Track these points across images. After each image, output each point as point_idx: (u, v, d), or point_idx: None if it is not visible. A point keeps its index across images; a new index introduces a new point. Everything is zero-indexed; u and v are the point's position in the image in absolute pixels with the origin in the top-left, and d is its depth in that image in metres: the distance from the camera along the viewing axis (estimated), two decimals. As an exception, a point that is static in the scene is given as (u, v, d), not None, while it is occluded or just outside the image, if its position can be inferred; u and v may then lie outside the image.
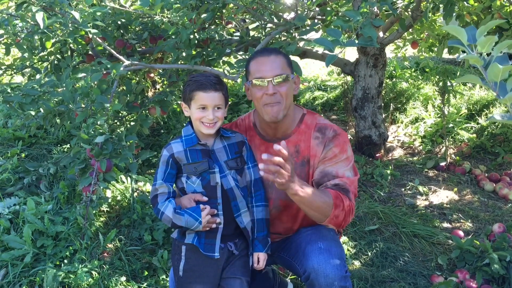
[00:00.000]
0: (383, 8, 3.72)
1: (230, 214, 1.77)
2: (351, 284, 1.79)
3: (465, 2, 3.47)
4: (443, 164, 3.92)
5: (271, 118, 1.77)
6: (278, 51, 1.82)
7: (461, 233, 2.88)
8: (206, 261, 1.75)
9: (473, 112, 4.78)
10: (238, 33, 4.17)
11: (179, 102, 4.58)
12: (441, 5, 3.24)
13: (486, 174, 3.78)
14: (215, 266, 1.76)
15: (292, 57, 2.90)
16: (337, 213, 1.71)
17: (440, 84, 4.02)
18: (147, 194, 3.12)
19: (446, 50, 4.27)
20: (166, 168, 1.74)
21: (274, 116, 1.77)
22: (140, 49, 3.69)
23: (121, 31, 3.38)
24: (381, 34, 3.92)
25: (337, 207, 1.70)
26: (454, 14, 3.26)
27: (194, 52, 3.14)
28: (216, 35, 3.42)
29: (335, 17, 3.54)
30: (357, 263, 2.64)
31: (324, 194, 1.70)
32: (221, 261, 1.77)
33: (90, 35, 2.67)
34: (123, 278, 2.42)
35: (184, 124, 4.25)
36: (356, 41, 2.00)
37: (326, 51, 1.88)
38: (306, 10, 3.81)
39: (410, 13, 3.56)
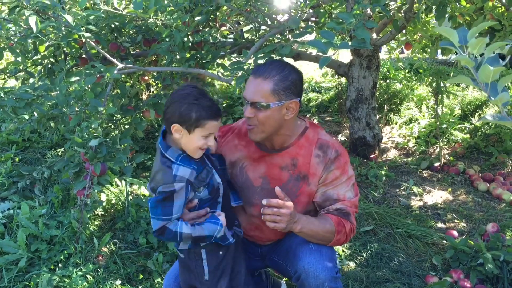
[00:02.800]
0: (376, 10, 3.74)
1: (228, 204, 1.80)
2: (342, 285, 1.80)
3: (457, 4, 3.49)
4: (437, 164, 3.93)
5: (249, 137, 1.82)
6: (276, 72, 1.71)
7: (455, 233, 2.90)
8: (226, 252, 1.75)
9: (467, 112, 4.81)
10: (232, 36, 4.18)
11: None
12: (433, 6, 3.26)
13: (480, 174, 3.80)
14: (231, 254, 1.77)
15: (286, 59, 2.91)
16: (339, 237, 1.78)
17: (434, 85, 4.05)
18: (142, 197, 3.11)
19: (439, 51, 4.30)
20: (184, 199, 1.60)
21: (251, 138, 1.80)
22: (134, 52, 3.70)
23: (115, 34, 3.38)
24: (374, 35, 3.94)
25: (339, 232, 1.76)
26: (446, 15, 3.27)
27: (188, 55, 3.15)
28: (210, 37, 3.43)
29: (329, 19, 3.55)
30: (352, 264, 2.65)
31: (326, 223, 1.76)
32: (233, 247, 1.78)
33: (83, 39, 2.67)
34: (118, 282, 2.42)
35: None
36: (349, 43, 2.02)
37: (320, 53, 1.89)
38: (299, 12, 3.82)
39: (403, 14, 3.58)
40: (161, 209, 1.59)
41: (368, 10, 3.54)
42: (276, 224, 1.64)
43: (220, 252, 1.73)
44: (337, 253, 2.67)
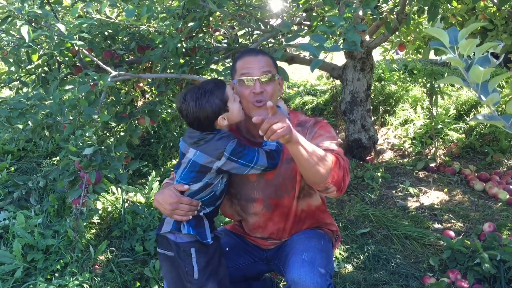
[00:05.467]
0: (369, 12, 3.75)
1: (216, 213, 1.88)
2: None
3: (448, 5, 3.51)
4: (433, 165, 3.94)
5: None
6: (265, 52, 1.86)
7: (452, 233, 2.90)
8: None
9: (462, 112, 4.83)
10: (226, 41, 4.19)
11: (169, 111, 4.59)
12: (425, 8, 3.27)
13: (476, 174, 3.81)
14: (217, 256, 1.80)
15: (280, 63, 2.92)
16: (336, 170, 1.66)
17: (428, 85, 4.06)
18: (138, 204, 3.11)
19: (432, 51, 4.32)
20: None
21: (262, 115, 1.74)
22: (128, 59, 3.69)
23: (108, 41, 3.38)
24: (367, 37, 3.95)
25: (336, 163, 1.66)
26: (439, 16, 3.28)
27: (182, 61, 3.15)
28: (204, 43, 3.43)
29: (321, 23, 3.56)
30: (349, 267, 2.64)
31: (322, 150, 1.67)
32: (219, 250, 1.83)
33: (76, 47, 2.67)
34: (115, 290, 2.41)
35: (175, 133, 4.25)
36: (341, 46, 2.02)
37: (312, 56, 1.90)
38: (292, 16, 3.83)
39: (395, 16, 3.59)
40: (250, 153, 1.72)
41: (360, 13, 3.55)
42: (279, 130, 1.49)
43: (209, 252, 1.75)
44: (334, 256, 2.67)
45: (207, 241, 1.73)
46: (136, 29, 3.41)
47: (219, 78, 2.64)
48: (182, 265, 1.74)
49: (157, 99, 3.46)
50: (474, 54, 1.20)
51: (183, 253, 1.74)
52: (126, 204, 3.08)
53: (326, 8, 3.83)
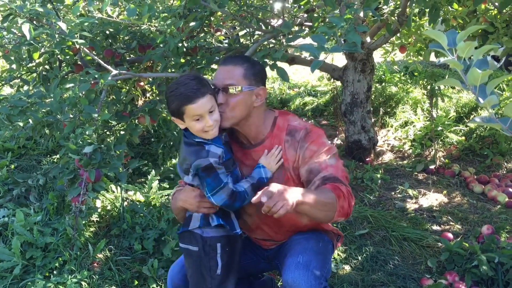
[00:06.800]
0: (370, 14, 3.76)
1: None
2: None
3: (449, 7, 3.51)
4: (432, 167, 3.94)
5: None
6: (243, 61, 1.79)
7: (450, 235, 2.90)
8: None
9: (462, 115, 4.82)
10: (227, 41, 4.19)
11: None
12: (427, 10, 3.27)
13: (475, 176, 3.81)
14: (238, 250, 1.83)
15: (281, 64, 2.92)
16: (342, 204, 1.65)
17: (428, 87, 4.06)
18: (137, 203, 3.11)
19: (433, 54, 4.32)
20: (224, 170, 1.70)
21: (221, 125, 1.76)
22: (129, 58, 3.70)
23: (110, 40, 3.39)
24: (368, 39, 3.95)
25: (339, 197, 1.65)
26: (440, 18, 3.29)
27: (182, 60, 3.15)
28: (205, 43, 3.43)
29: (322, 24, 3.57)
30: (347, 268, 2.65)
31: (323, 190, 1.65)
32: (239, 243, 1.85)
33: (77, 46, 2.67)
34: (113, 288, 2.42)
35: (176, 133, 4.26)
36: (341, 47, 2.03)
37: (312, 57, 1.90)
38: (293, 17, 3.84)
39: (396, 18, 3.60)
40: (213, 182, 1.67)
41: (361, 14, 3.56)
42: (280, 209, 1.46)
43: (231, 247, 1.78)
44: (332, 257, 2.67)
45: (236, 231, 1.76)
46: (137, 28, 3.41)
47: None
48: (206, 260, 1.75)
49: (158, 98, 3.47)
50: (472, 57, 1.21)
51: (209, 248, 1.75)
52: (125, 203, 3.09)
53: (328, 9, 3.84)
